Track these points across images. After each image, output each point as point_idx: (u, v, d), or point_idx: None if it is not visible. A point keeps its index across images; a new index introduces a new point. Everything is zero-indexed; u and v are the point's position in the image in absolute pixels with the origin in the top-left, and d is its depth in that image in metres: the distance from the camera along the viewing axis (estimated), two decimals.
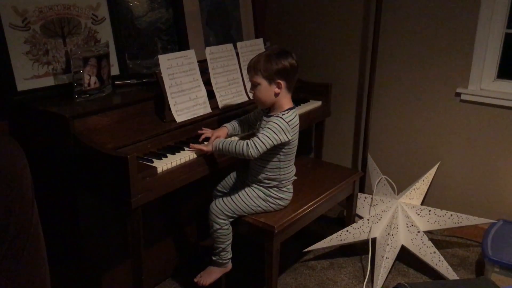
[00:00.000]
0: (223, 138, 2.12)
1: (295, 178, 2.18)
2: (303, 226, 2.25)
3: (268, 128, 1.95)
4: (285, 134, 1.97)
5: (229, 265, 2.19)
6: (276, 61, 1.94)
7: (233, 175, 2.29)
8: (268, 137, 1.94)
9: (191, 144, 2.05)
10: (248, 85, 2.24)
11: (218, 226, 2.08)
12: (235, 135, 2.24)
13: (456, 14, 2.67)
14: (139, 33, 2.48)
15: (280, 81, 1.97)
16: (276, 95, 1.99)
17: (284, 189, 2.12)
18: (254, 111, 2.27)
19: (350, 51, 3.13)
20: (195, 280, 2.19)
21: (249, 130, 2.28)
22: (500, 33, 2.60)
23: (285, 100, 2.03)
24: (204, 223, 2.23)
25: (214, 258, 2.17)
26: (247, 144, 1.93)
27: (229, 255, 2.16)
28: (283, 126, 1.96)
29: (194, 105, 2.25)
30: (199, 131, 2.14)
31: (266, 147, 1.95)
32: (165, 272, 2.52)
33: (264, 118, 2.06)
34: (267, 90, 1.98)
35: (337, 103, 3.19)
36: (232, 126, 2.20)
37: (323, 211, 2.39)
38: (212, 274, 2.18)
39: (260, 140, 1.93)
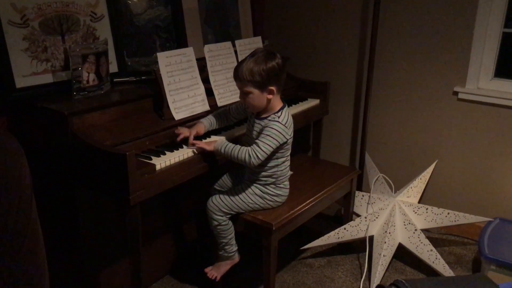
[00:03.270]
0: (202, 133, 2.12)
1: (291, 173, 2.19)
2: (300, 224, 2.26)
3: (267, 135, 1.95)
4: (284, 136, 1.98)
5: (236, 257, 2.21)
6: (265, 68, 1.90)
7: (230, 173, 2.30)
8: (269, 144, 1.95)
9: (192, 141, 2.05)
10: None
11: (216, 223, 2.09)
12: (212, 129, 2.22)
13: (454, 13, 2.68)
14: (138, 31, 2.48)
15: (272, 88, 1.95)
16: (269, 100, 1.98)
17: (281, 185, 2.13)
18: (236, 104, 2.25)
19: (348, 49, 3.14)
20: (205, 270, 2.22)
21: (228, 123, 2.26)
22: (497, 32, 2.61)
23: (276, 100, 2.02)
24: (203, 220, 2.24)
25: (220, 253, 2.18)
26: (249, 154, 1.94)
27: (234, 248, 2.18)
28: (281, 129, 1.96)
29: (193, 102, 2.26)
30: (176, 131, 2.11)
31: (267, 154, 1.96)
32: (164, 269, 2.52)
33: (256, 121, 2.05)
34: (260, 98, 1.97)
35: (335, 101, 3.20)
36: (208, 121, 2.18)
37: (321, 209, 2.40)
38: (221, 268, 2.20)
39: (261, 148, 1.94)
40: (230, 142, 2.02)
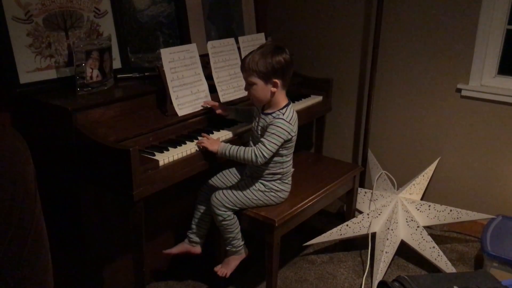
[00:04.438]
0: (222, 114, 2.25)
1: (293, 169, 2.21)
2: (303, 220, 2.27)
3: (272, 133, 1.96)
4: (289, 133, 1.99)
5: (244, 252, 2.21)
6: (271, 61, 1.93)
7: (231, 169, 2.30)
8: (273, 142, 1.96)
9: (199, 138, 2.06)
10: None
11: (221, 218, 2.09)
12: (230, 118, 2.30)
13: (458, 10, 2.67)
14: (141, 27, 2.48)
15: (276, 80, 1.96)
16: (273, 93, 1.99)
17: (286, 181, 2.14)
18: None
19: (351, 46, 3.13)
20: (215, 269, 2.21)
21: (248, 121, 2.27)
22: (501, 29, 2.61)
23: (281, 96, 2.03)
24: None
25: (227, 248, 2.19)
26: (255, 153, 1.95)
27: (241, 242, 2.18)
28: (286, 126, 1.97)
29: (196, 99, 2.26)
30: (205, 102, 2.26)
31: (272, 152, 1.98)
32: (167, 264, 2.53)
33: (262, 116, 2.06)
34: (263, 90, 1.98)
35: (338, 98, 3.20)
36: (235, 111, 2.28)
37: (323, 205, 2.41)
38: (230, 264, 2.20)
39: (266, 147, 1.95)
40: (233, 145, 2.04)
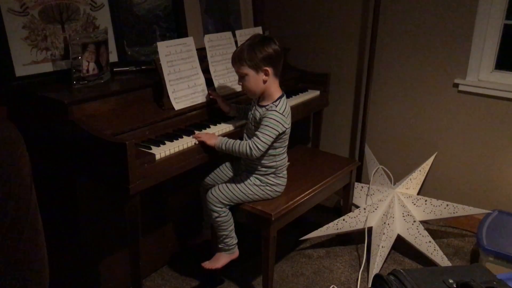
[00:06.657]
0: (223, 109, 2.27)
1: (289, 163, 2.21)
2: (300, 215, 2.27)
3: (266, 125, 1.98)
4: (282, 125, 2.00)
5: (236, 251, 2.21)
6: (260, 49, 1.97)
7: (227, 164, 2.30)
8: (268, 135, 1.97)
9: (197, 133, 2.06)
10: None
11: (216, 214, 2.09)
12: (231, 115, 2.32)
13: (455, 4, 2.66)
14: (138, 20, 2.47)
15: (267, 68, 1.99)
16: (265, 82, 2.02)
17: (280, 175, 2.14)
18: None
19: (349, 41, 3.13)
20: (202, 264, 2.20)
21: (245, 119, 2.28)
22: (498, 24, 2.60)
23: (274, 86, 2.05)
24: (199, 211, 2.24)
25: (220, 246, 2.18)
26: (250, 146, 1.97)
27: (234, 241, 2.18)
28: (279, 118, 1.99)
29: (193, 92, 2.25)
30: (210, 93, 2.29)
31: (267, 144, 1.99)
32: (163, 259, 2.53)
33: (257, 108, 2.08)
34: (255, 79, 2.01)
35: (335, 93, 3.20)
36: (236, 108, 2.30)
37: (320, 200, 2.41)
38: (220, 260, 2.19)
39: (261, 139, 1.97)
40: (229, 139, 2.05)
